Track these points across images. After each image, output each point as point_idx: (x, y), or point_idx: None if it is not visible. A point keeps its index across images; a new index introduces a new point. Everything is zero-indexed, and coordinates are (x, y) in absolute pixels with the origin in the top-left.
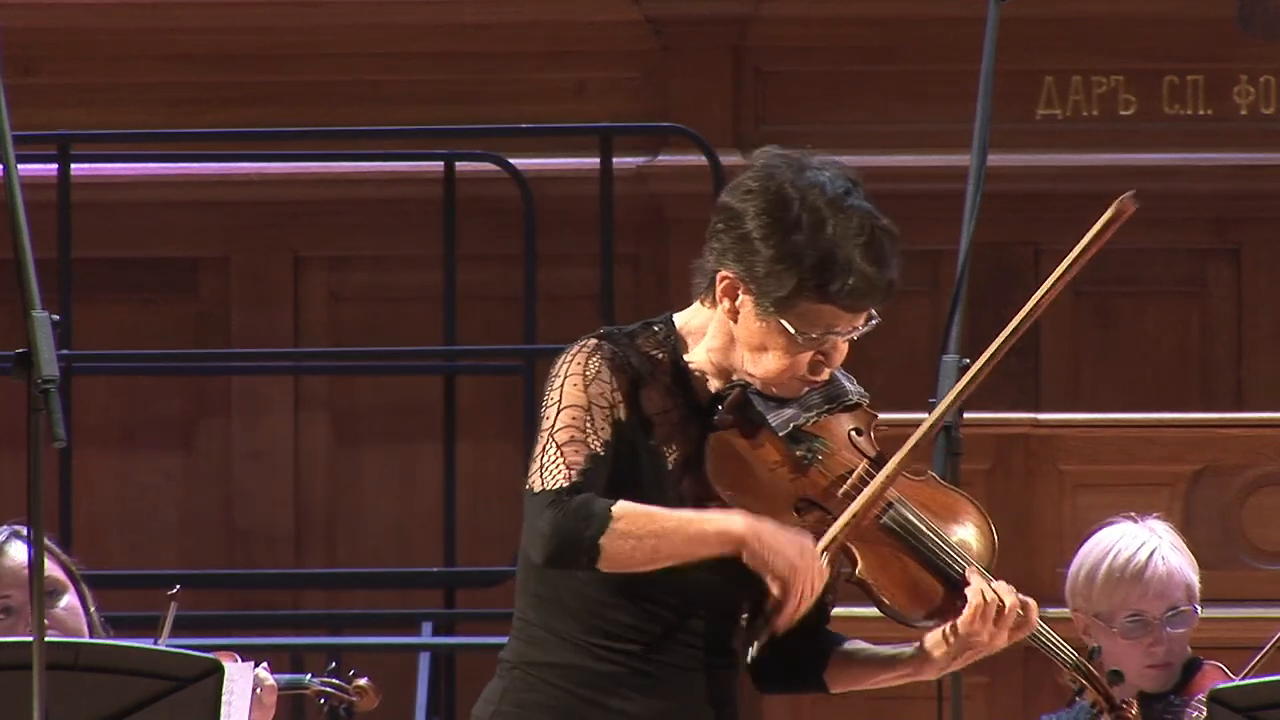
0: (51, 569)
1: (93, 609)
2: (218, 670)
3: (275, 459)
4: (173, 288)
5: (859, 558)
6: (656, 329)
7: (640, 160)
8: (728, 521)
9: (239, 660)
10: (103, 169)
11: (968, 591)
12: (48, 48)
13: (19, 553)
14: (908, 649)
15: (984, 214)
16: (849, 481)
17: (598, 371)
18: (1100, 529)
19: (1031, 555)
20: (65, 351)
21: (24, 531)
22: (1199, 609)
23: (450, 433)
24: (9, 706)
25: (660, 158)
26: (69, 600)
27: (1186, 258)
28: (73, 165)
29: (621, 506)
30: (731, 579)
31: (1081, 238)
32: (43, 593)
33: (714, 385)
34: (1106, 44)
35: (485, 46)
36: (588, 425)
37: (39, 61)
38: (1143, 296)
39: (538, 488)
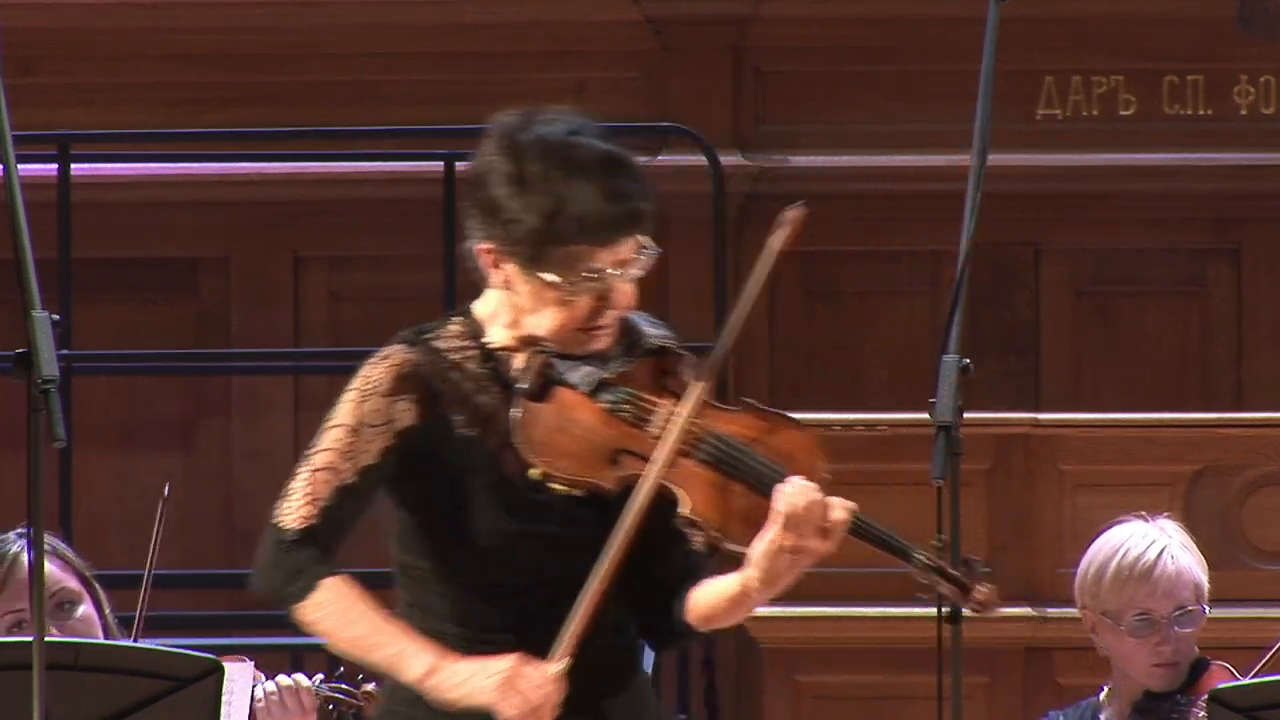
0: (66, 579)
1: (108, 613)
2: (218, 670)
3: (275, 459)
4: (173, 288)
5: (684, 496)
6: (455, 319)
7: (640, 160)
8: (410, 659)
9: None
10: (103, 169)
11: (773, 498)
12: (48, 48)
13: None
14: (737, 577)
15: (984, 214)
16: (658, 425)
17: (376, 385)
18: (1110, 527)
19: (1032, 555)
20: (65, 351)
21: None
22: (1207, 609)
23: None
24: (9, 706)
25: (660, 158)
26: (84, 610)
27: (1186, 258)
28: (73, 165)
29: (329, 589)
30: (589, 551)
31: (1081, 238)
32: (43, 592)
33: (519, 360)
34: (1106, 44)
35: (485, 46)
36: (350, 449)
37: (39, 61)
38: (1143, 296)
39: (276, 516)
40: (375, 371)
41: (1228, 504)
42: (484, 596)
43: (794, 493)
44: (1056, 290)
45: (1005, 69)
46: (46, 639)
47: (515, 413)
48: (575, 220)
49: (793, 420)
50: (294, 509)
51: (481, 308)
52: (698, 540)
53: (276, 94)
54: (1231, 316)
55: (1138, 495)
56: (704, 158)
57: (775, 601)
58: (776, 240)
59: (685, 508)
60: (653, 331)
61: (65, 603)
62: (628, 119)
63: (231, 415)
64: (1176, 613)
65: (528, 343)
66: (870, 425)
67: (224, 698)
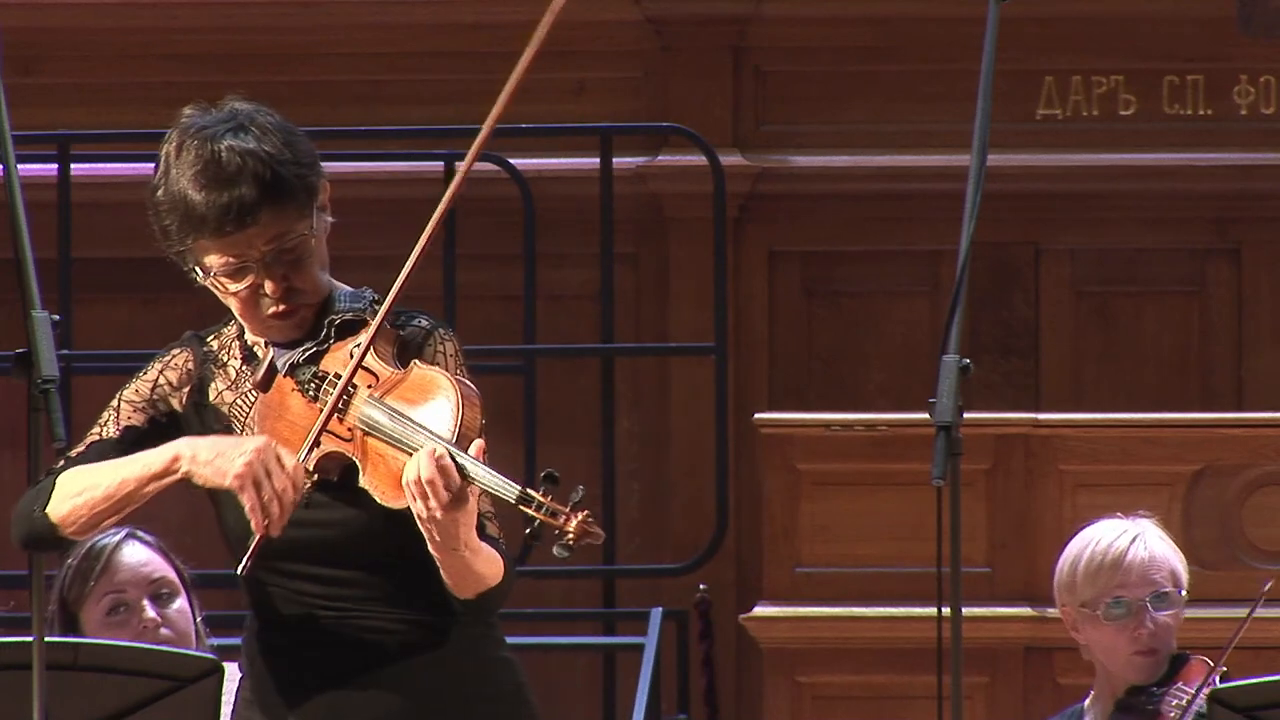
0: (166, 570)
1: (199, 619)
2: (218, 670)
3: None
4: (173, 288)
5: (359, 464)
6: (232, 321)
7: (640, 160)
8: (156, 456)
9: None
10: (103, 169)
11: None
12: (48, 48)
13: (135, 551)
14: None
15: (984, 214)
16: (341, 397)
17: (144, 374)
18: (1084, 527)
19: (1031, 555)
20: (65, 351)
21: (139, 532)
22: (1185, 594)
23: None
24: (9, 706)
25: (660, 158)
26: (181, 603)
27: (1186, 258)
28: (73, 165)
29: (66, 473)
30: (348, 530)
31: (1081, 238)
32: (42, 591)
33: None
34: (1106, 44)
35: (485, 46)
36: (110, 418)
37: (39, 61)
38: (1143, 296)
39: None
40: (153, 362)
41: (1228, 504)
42: (271, 584)
43: (410, 467)
44: (1056, 290)
45: (1005, 69)
46: (47, 639)
47: (254, 406)
48: (179, 220)
49: (442, 374)
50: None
51: None
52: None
53: (276, 94)
54: (1231, 316)
55: (1138, 495)
56: (704, 158)
57: (775, 601)
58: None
59: (361, 478)
60: (346, 305)
61: (164, 591)
62: (628, 119)
63: None
64: (1152, 595)
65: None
66: (870, 425)
67: (224, 698)
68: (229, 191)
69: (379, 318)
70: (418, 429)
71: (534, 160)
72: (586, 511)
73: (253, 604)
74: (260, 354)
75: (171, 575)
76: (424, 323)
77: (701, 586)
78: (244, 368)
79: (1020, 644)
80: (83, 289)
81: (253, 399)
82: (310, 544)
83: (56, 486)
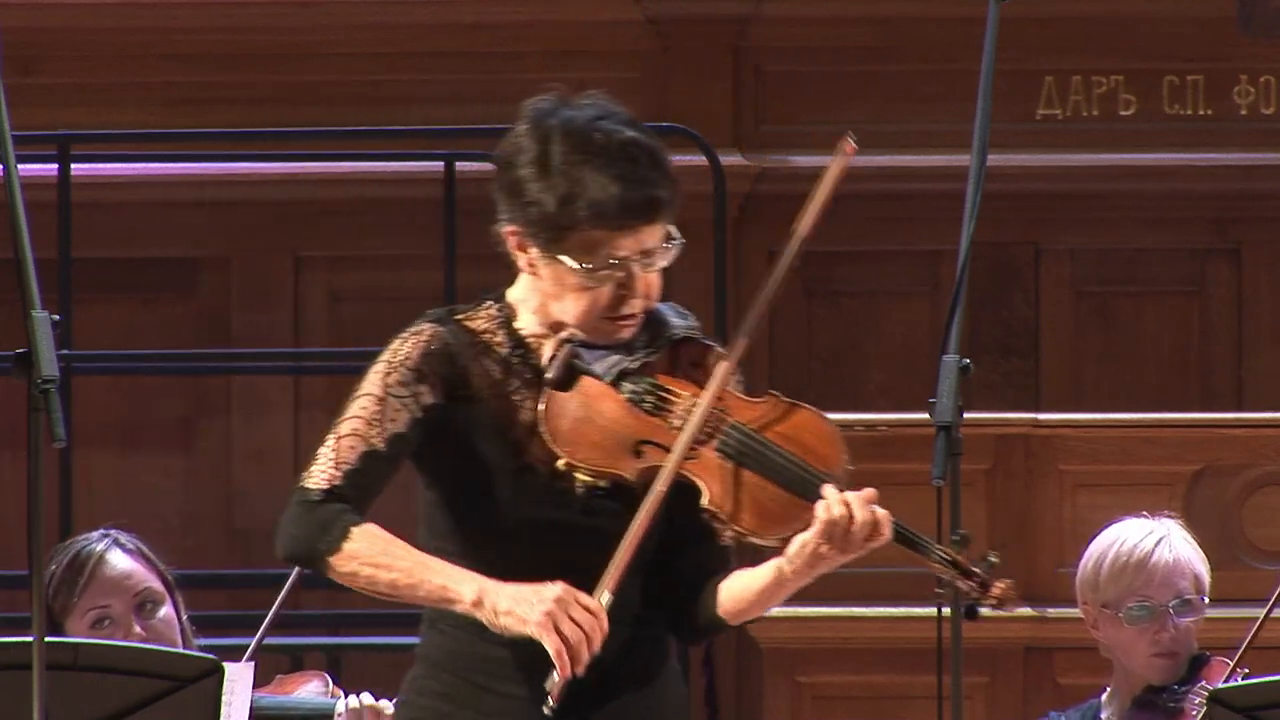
0: (150, 579)
1: (184, 618)
2: (218, 670)
3: (275, 459)
4: (173, 288)
5: (704, 488)
6: (488, 304)
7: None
8: (459, 585)
9: (330, 681)
10: (103, 169)
11: (816, 506)
12: (48, 48)
13: (119, 561)
14: (769, 566)
15: (984, 214)
16: (680, 415)
17: (405, 359)
18: (1109, 524)
19: (1032, 555)
20: (65, 351)
21: (122, 538)
22: (1207, 599)
23: None
24: (9, 706)
25: None
26: (166, 611)
27: (1186, 258)
28: (73, 165)
29: (363, 534)
30: (611, 542)
31: (1081, 238)
32: (42, 591)
33: (549, 347)
34: (1106, 44)
35: (485, 46)
36: (377, 417)
37: (39, 61)
38: (1143, 296)
39: (304, 480)
40: (405, 345)
41: (1228, 504)
42: (505, 581)
43: (836, 502)
44: (1056, 290)
45: (1005, 69)
46: (47, 639)
47: (543, 402)
48: (590, 204)
49: (815, 412)
50: (319, 472)
51: (514, 293)
52: (724, 534)
53: (276, 94)
54: (1231, 316)
55: (1138, 495)
56: (704, 158)
57: None
58: (835, 167)
59: (704, 499)
60: (678, 321)
61: (148, 602)
62: None
63: (231, 415)
64: (1175, 601)
65: (555, 330)
66: (870, 425)
67: (224, 698)
68: (649, 187)
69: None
70: (801, 465)
71: None
72: (1010, 582)
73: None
74: (534, 345)
75: (155, 584)
76: (722, 350)
77: None
78: (513, 358)
79: (1020, 644)
80: (83, 289)
81: (525, 394)
82: (584, 550)
83: (350, 537)
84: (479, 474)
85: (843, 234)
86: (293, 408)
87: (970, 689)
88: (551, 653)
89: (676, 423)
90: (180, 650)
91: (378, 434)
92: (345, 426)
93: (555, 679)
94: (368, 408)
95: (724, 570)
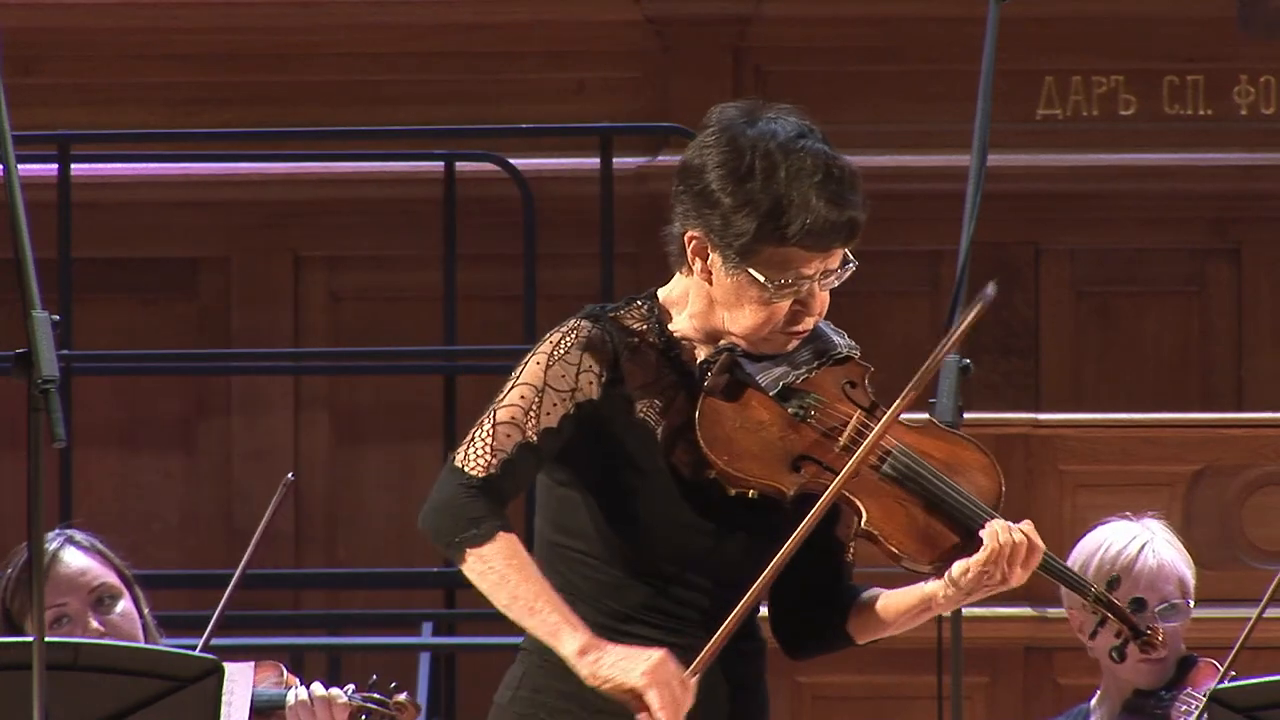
0: (107, 574)
1: (147, 613)
2: (218, 670)
3: (275, 459)
4: (173, 288)
5: (863, 509)
6: (640, 303)
7: (640, 160)
8: (569, 631)
9: (284, 671)
10: (103, 169)
11: (983, 534)
12: (48, 48)
13: (74, 559)
14: (921, 589)
15: (984, 214)
16: (844, 434)
17: (565, 353)
18: (1094, 527)
19: None
20: (65, 351)
21: (77, 536)
22: (1192, 603)
23: (450, 433)
24: (9, 706)
25: (660, 158)
26: (124, 606)
27: (1186, 258)
28: (73, 165)
29: (502, 540)
30: (745, 551)
31: (1081, 238)
32: (42, 592)
33: (701, 352)
34: (1106, 44)
35: (485, 46)
36: (534, 408)
37: (39, 61)
38: (1143, 296)
39: (458, 461)
40: (564, 339)
41: (1228, 504)
42: (632, 582)
43: (1003, 530)
44: (1056, 290)
45: (1005, 69)
46: (48, 639)
47: (700, 408)
48: (796, 223)
49: (975, 443)
50: (477, 456)
51: (668, 294)
52: (852, 552)
53: (276, 94)
54: (1231, 316)
55: (1138, 495)
56: None
57: None
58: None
59: (863, 520)
60: (839, 340)
61: (106, 597)
62: (628, 119)
63: (231, 415)
64: (1160, 606)
65: (713, 337)
66: None
67: (224, 698)
68: (850, 211)
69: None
70: (962, 493)
71: (534, 160)
72: (1159, 625)
73: (604, 600)
74: (688, 348)
75: (111, 579)
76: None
77: None
78: (665, 359)
79: (1020, 644)
80: (83, 289)
81: (675, 395)
82: (718, 558)
83: (495, 540)
84: (621, 471)
85: None
86: (293, 408)
87: (970, 689)
88: (653, 708)
89: (841, 440)
90: (180, 650)
91: (532, 426)
92: (503, 414)
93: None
94: (526, 397)
95: (847, 586)
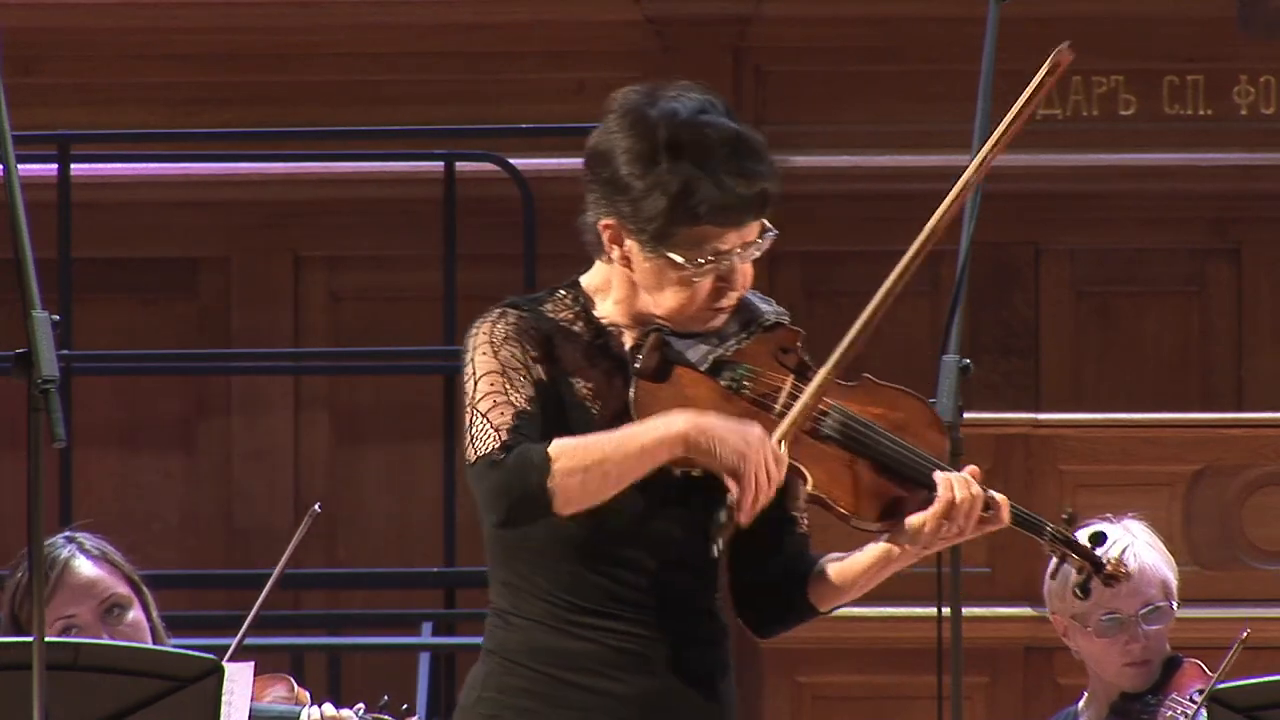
0: (116, 584)
1: (155, 616)
2: (218, 670)
3: (275, 459)
4: (173, 288)
5: (808, 473)
6: (563, 292)
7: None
8: (667, 423)
9: (294, 685)
10: (103, 169)
11: (938, 486)
12: (48, 48)
13: (84, 568)
14: (878, 547)
15: (984, 214)
16: (779, 401)
17: (505, 337)
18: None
19: (1032, 555)
20: (65, 351)
21: (87, 543)
22: (1175, 605)
23: (450, 433)
24: (9, 706)
25: None
26: (134, 615)
27: (1186, 258)
28: (73, 165)
29: (558, 445)
30: (698, 531)
31: (1081, 238)
32: (42, 592)
33: (629, 337)
34: (1106, 44)
35: (485, 46)
36: (507, 386)
37: (39, 61)
38: (1143, 296)
39: (473, 457)
40: (494, 327)
41: (1228, 504)
42: (588, 573)
43: (959, 484)
44: (1056, 290)
45: (1005, 69)
46: (48, 639)
47: (632, 392)
48: (707, 202)
49: (914, 394)
50: (485, 438)
51: (589, 281)
52: (805, 522)
53: (276, 94)
54: (1231, 316)
55: (1138, 495)
56: None
57: None
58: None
59: (809, 485)
60: (765, 308)
61: (115, 607)
62: None
63: (231, 415)
64: (1144, 610)
65: (640, 320)
66: None
67: (224, 698)
68: (760, 183)
69: (859, 330)
70: (907, 448)
71: (534, 160)
72: (1119, 557)
73: (564, 592)
74: (616, 334)
75: (121, 589)
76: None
77: None
78: (595, 344)
79: (1020, 644)
80: (83, 289)
81: (609, 380)
82: (677, 536)
83: (552, 457)
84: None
85: (843, 234)
86: (293, 408)
87: (970, 689)
88: (736, 493)
89: (777, 409)
90: (180, 650)
91: (518, 395)
92: (484, 403)
93: (722, 519)
94: (495, 383)
95: (804, 558)
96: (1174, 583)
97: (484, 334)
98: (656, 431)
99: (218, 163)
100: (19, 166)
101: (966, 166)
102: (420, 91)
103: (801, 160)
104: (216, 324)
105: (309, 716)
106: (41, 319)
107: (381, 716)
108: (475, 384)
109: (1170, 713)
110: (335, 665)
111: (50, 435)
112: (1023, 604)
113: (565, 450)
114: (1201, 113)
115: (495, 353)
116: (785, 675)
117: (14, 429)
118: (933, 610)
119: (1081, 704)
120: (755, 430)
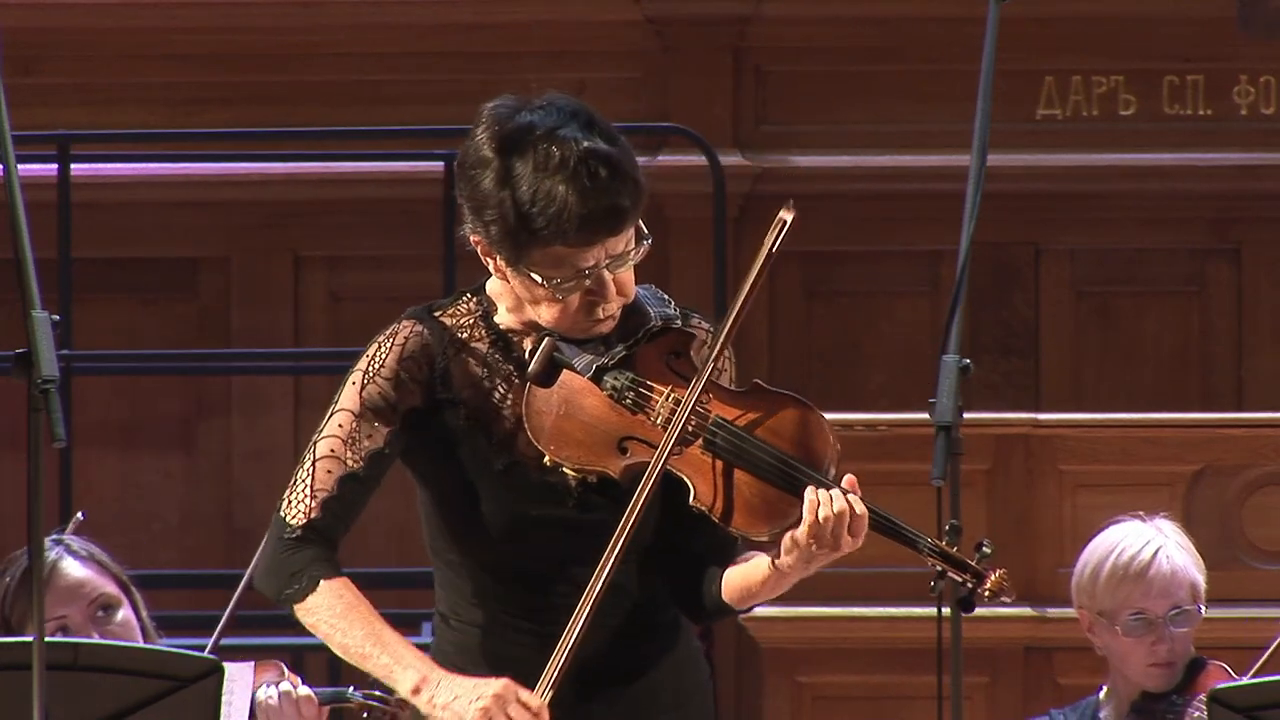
0: (105, 584)
1: (145, 615)
2: (218, 670)
3: (275, 459)
4: (173, 288)
5: (691, 485)
6: (467, 297)
7: (640, 160)
8: (401, 671)
9: (285, 670)
10: (103, 169)
11: (805, 506)
12: (48, 48)
13: (73, 569)
14: (766, 560)
15: (984, 214)
16: (662, 412)
17: (381, 367)
18: (1107, 527)
19: (1032, 555)
20: (65, 351)
21: (74, 545)
22: (1204, 609)
23: None
24: (9, 706)
25: (660, 158)
26: (123, 614)
27: (1186, 258)
28: (73, 165)
29: (329, 587)
30: (587, 529)
31: (1081, 238)
32: (42, 592)
33: (528, 342)
34: (1106, 44)
35: (485, 46)
36: (354, 434)
37: (39, 61)
38: (1143, 296)
39: (281, 510)
40: (378, 350)
41: (1228, 504)
42: (501, 580)
43: (824, 501)
44: (1056, 290)
45: (1005, 69)
46: (47, 639)
47: (525, 399)
48: (549, 221)
49: (801, 401)
50: (298, 502)
51: (491, 287)
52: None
53: (276, 94)
54: (1231, 316)
55: (1138, 495)
56: (704, 158)
57: (775, 601)
58: (770, 240)
59: (691, 497)
60: (657, 310)
61: (105, 607)
62: (628, 119)
63: (231, 415)
64: (1172, 612)
65: (533, 326)
66: (870, 425)
67: (224, 698)
68: (609, 198)
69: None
70: (787, 460)
71: None
72: (1004, 570)
73: (480, 600)
74: (517, 341)
75: (110, 589)
76: (707, 325)
77: None
78: (494, 353)
79: (1020, 644)
80: (83, 289)
81: (509, 389)
82: (581, 545)
83: (317, 591)
84: (467, 473)
85: (843, 234)
86: (293, 408)
87: (970, 689)
88: None
89: (658, 419)
90: (180, 650)
91: (354, 455)
92: (322, 447)
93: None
94: (344, 425)
95: (730, 551)
96: (1203, 586)
97: (367, 358)
98: (393, 673)
99: (218, 163)
100: (19, 166)
101: (966, 166)
102: (420, 91)
103: (801, 160)
104: (216, 324)
105: (265, 695)
106: (41, 319)
107: (374, 692)
108: (330, 416)
109: (1198, 714)
110: (335, 665)
111: (50, 435)
112: (1023, 604)
113: (329, 601)
114: (1201, 113)
115: (363, 388)
116: (785, 675)
117: (14, 429)
118: (933, 610)
119: (1102, 696)
120: (490, 688)
